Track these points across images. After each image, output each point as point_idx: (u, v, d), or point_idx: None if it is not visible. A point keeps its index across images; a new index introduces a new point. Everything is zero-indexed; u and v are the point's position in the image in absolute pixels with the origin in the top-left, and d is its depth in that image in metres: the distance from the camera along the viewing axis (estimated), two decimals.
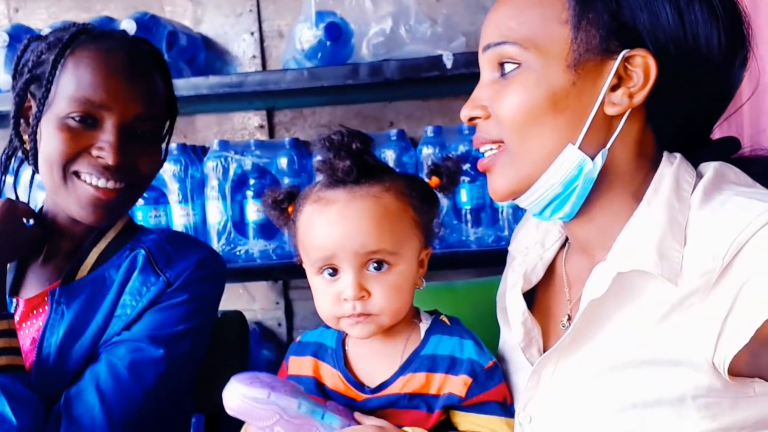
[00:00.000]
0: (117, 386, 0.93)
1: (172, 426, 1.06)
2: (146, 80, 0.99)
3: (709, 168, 0.76)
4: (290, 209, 0.88)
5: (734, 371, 0.68)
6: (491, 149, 0.79)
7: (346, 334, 0.88)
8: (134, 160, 0.97)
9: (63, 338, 0.95)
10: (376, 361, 0.86)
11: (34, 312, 0.99)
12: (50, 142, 0.95)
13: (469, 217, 1.56)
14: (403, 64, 1.41)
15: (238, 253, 1.56)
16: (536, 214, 0.82)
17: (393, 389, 0.85)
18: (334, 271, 0.83)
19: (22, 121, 1.00)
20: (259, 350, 1.85)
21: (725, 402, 0.70)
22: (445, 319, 0.90)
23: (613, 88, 0.74)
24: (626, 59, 0.73)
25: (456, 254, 1.51)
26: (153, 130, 1.01)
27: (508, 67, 0.76)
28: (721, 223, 0.69)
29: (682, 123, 0.78)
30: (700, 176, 0.75)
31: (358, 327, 0.83)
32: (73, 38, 0.97)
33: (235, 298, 1.88)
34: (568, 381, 0.80)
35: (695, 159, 0.79)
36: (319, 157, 0.85)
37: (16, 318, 0.98)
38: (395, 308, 0.85)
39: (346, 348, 0.88)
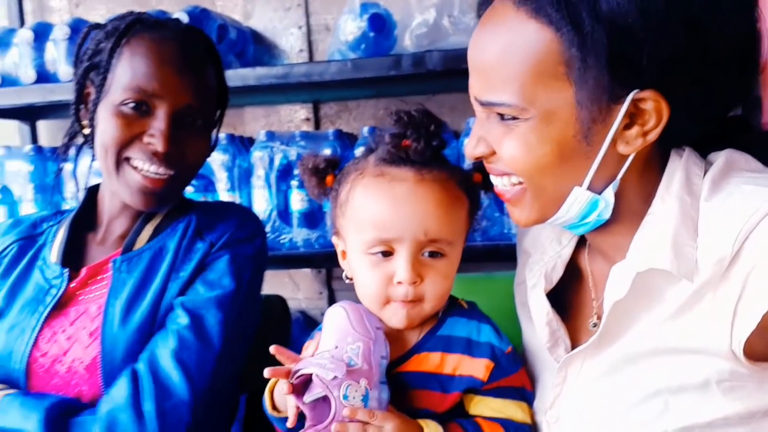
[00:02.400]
0: (188, 353, 0.96)
1: (230, 401, 1.11)
2: (198, 70, 1.02)
3: (719, 157, 0.75)
4: (329, 179, 0.87)
5: (753, 356, 0.69)
6: (508, 181, 0.78)
7: None
8: (183, 148, 1.00)
9: (127, 302, 0.99)
10: (391, 340, 0.85)
11: (95, 279, 1.04)
12: (106, 127, 0.99)
13: None
14: (446, 55, 1.41)
15: (282, 241, 1.59)
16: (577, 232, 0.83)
17: (408, 366, 0.84)
18: (387, 252, 0.81)
19: (82, 107, 1.06)
20: (303, 338, 1.88)
21: (750, 386, 0.70)
22: (462, 302, 0.90)
23: (626, 126, 0.72)
24: (635, 100, 0.70)
25: (497, 247, 1.51)
26: (203, 120, 1.04)
27: (504, 117, 0.74)
28: (729, 212, 0.69)
29: (695, 131, 0.77)
30: (709, 165, 0.75)
31: (402, 313, 0.82)
32: (129, 27, 1.01)
33: (280, 286, 1.92)
34: (593, 377, 0.80)
35: (704, 147, 0.78)
36: (383, 132, 0.84)
37: (78, 285, 1.04)
38: (441, 297, 0.84)
39: None
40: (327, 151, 1.57)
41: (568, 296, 0.89)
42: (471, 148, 0.78)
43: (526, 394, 0.87)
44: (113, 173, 1.01)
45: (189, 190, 1.57)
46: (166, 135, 0.97)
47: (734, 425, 0.71)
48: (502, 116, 0.74)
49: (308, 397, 0.76)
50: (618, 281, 0.75)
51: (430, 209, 0.80)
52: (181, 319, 0.98)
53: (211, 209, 1.10)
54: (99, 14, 1.93)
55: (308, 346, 0.86)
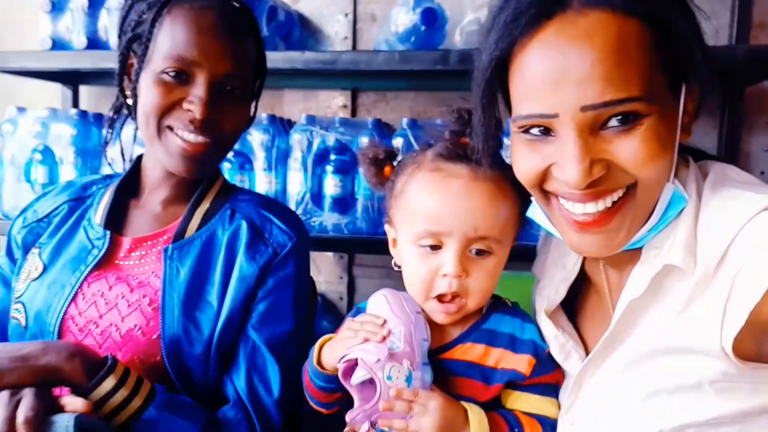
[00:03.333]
0: (272, 371, 1.00)
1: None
2: (237, 39, 1.03)
3: (712, 168, 0.79)
4: (388, 170, 0.90)
5: (744, 355, 0.70)
6: (610, 199, 0.75)
7: None
8: (221, 116, 1.01)
9: (185, 294, 1.01)
10: (435, 329, 0.88)
11: (140, 254, 1.06)
12: (147, 95, 1.01)
13: None
14: None
15: (312, 223, 1.61)
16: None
17: (452, 355, 0.87)
18: (436, 246, 0.83)
19: (125, 78, 1.08)
20: (320, 321, 1.91)
21: (744, 387, 0.72)
22: (507, 301, 0.93)
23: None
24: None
25: (526, 247, 1.52)
26: (241, 89, 1.05)
27: (627, 118, 0.70)
28: (719, 215, 0.73)
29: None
30: (705, 175, 0.79)
31: (444, 313, 0.85)
32: None
33: None
34: (605, 381, 0.83)
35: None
36: (442, 128, 0.85)
37: (121, 254, 1.06)
38: (484, 294, 0.86)
39: None
40: (364, 139, 1.58)
41: (586, 312, 0.92)
42: (585, 174, 0.70)
43: (558, 390, 0.90)
44: (155, 140, 1.03)
45: (226, 167, 1.60)
46: (205, 101, 0.99)
47: (727, 424, 0.73)
48: (623, 120, 0.70)
49: (355, 379, 0.79)
50: (636, 281, 0.78)
51: (481, 207, 0.82)
52: (262, 336, 1.02)
53: (267, 209, 1.10)
54: None
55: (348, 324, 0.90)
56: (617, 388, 0.81)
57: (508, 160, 0.82)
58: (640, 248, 0.79)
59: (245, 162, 1.63)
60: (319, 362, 0.89)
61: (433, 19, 1.45)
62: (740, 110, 1.68)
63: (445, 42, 1.50)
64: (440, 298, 0.86)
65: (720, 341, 0.70)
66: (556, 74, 0.69)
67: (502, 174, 0.85)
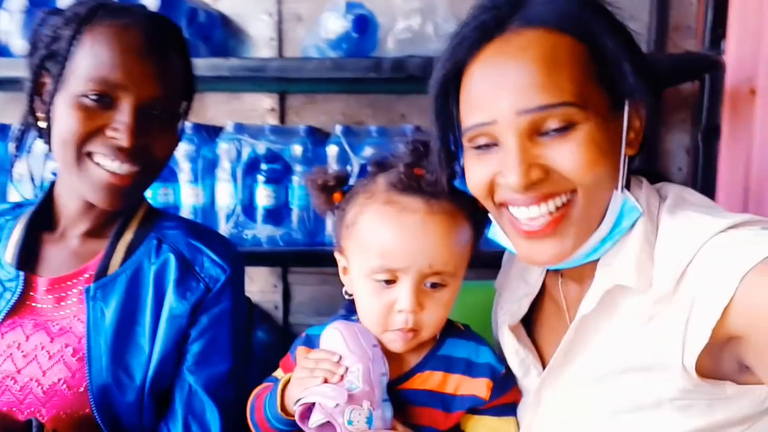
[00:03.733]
0: (210, 416, 0.96)
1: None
2: (165, 60, 0.95)
3: (670, 191, 0.82)
4: (337, 196, 0.87)
5: (703, 373, 0.72)
6: (553, 204, 0.76)
7: None
8: (150, 142, 0.94)
9: (113, 339, 0.93)
10: (392, 359, 0.87)
11: (59, 296, 0.98)
12: (65, 120, 0.92)
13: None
14: (427, 62, 1.39)
15: (245, 236, 1.55)
16: (554, 267, 0.83)
17: (411, 384, 0.86)
18: (390, 280, 0.82)
19: (37, 98, 0.97)
20: (256, 332, 1.86)
21: (700, 404, 0.74)
22: (459, 324, 0.93)
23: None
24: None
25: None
26: (170, 112, 0.98)
27: (565, 127, 0.73)
28: (679, 236, 0.75)
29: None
30: (662, 198, 0.81)
31: (401, 341, 0.84)
32: (91, 13, 0.93)
33: None
34: (563, 399, 0.84)
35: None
36: (396, 157, 0.83)
37: (37, 296, 0.97)
38: (439, 325, 0.86)
39: None
40: (297, 147, 1.53)
41: (543, 325, 0.93)
42: (525, 178, 0.73)
43: (516, 408, 0.90)
44: (73, 170, 0.93)
45: None
46: (132, 129, 0.91)
47: None
48: (559, 128, 0.73)
49: (313, 422, 0.76)
50: (589, 298, 0.79)
51: (437, 242, 0.81)
52: (202, 403, 0.98)
53: (190, 232, 1.03)
54: None
55: (301, 353, 0.87)
56: (579, 407, 0.82)
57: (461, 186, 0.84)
58: (596, 262, 0.80)
59: (169, 174, 1.54)
60: (282, 407, 0.85)
61: (365, 26, 1.42)
62: (660, 111, 1.74)
63: (377, 49, 1.46)
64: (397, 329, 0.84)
65: (681, 359, 0.72)
66: (494, 86, 0.74)
67: (457, 206, 0.84)
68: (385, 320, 0.83)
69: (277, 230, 1.56)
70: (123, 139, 0.91)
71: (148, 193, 1.51)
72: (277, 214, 1.56)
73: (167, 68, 0.95)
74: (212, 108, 1.87)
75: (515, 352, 0.88)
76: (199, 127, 1.57)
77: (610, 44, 0.74)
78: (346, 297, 0.90)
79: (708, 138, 1.40)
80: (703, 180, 1.43)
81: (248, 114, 1.86)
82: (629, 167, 0.79)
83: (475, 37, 0.76)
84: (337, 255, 0.91)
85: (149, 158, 0.95)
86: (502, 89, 0.73)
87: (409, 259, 0.80)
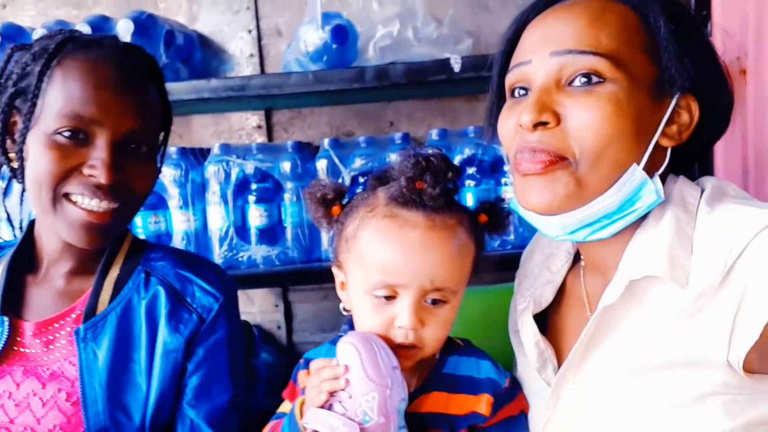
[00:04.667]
0: None
1: None
2: (140, 91, 0.93)
3: (708, 183, 0.80)
4: (336, 209, 0.85)
5: (749, 368, 0.71)
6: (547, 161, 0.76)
7: None
8: (128, 177, 0.91)
9: (108, 380, 0.90)
10: None
11: (47, 339, 0.94)
12: (38, 160, 0.89)
13: None
14: (409, 68, 1.38)
15: (240, 259, 1.53)
16: (561, 235, 0.81)
17: (417, 407, 0.83)
18: (390, 296, 0.80)
19: (7, 138, 0.94)
20: (259, 353, 1.83)
21: (743, 399, 0.72)
22: (457, 341, 0.90)
23: (667, 123, 0.77)
24: (679, 99, 0.77)
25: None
26: (148, 144, 0.94)
27: (590, 79, 0.74)
28: (724, 229, 0.73)
29: (696, 151, 0.84)
30: (701, 191, 0.80)
31: (402, 355, 0.81)
32: (60, 47, 0.91)
33: None
34: (584, 394, 0.81)
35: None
36: (398, 170, 0.81)
37: (24, 341, 0.94)
38: (440, 342, 0.83)
39: None
40: (286, 164, 1.51)
41: (561, 320, 0.90)
42: (534, 114, 0.74)
43: (524, 418, 0.87)
44: (49, 210, 0.90)
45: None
46: (109, 165, 0.88)
47: None
48: (587, 78, 0.74)
49: None
50: (611, 289, 0.77)
51: (438, 258, 0.79)
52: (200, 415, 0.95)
53: (178, 262, 1.00)
54: (29, 16, 1.78)
55: (303, 377, 0.85)
56: (605, 403, 0.79)
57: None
58: (619, 252, 0.78)
59: (158, 202, 1.51)
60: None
61: (344, 37, 1.39)
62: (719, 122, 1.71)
63: (358, 58, 1.44)
64: (396, 345, 0.82)
65: (727, 354, 0.70)
66: (538, 35, 0.78)
67: (459, 221, 0.81)
68: (386, 336, 0.81)
69: (272, 250, 1.53)
70: (101, 175, 0.88)
71: (139, 222, 1.51)
72: (271, 233, 1.54)
73: (142, 100, 0.93)
74: (199, 130, 1.85)
75: (535, 343, 0.85)
76: (185, 151, 1.55)
77: (662, 23, 0.75)
78: (344, 313, 0.87)
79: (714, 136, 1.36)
80: (700, 167, 1.40)
81: (236, 133, 1.84)
82: (671, 162, 0.78)
83: (541, 2, 0.82)
84: (334, 269, 0.89)
85: (128, 194, 0.92)
86: (544, 36, 0.77)
87: (410, 275, 0.78)
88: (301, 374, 0.89)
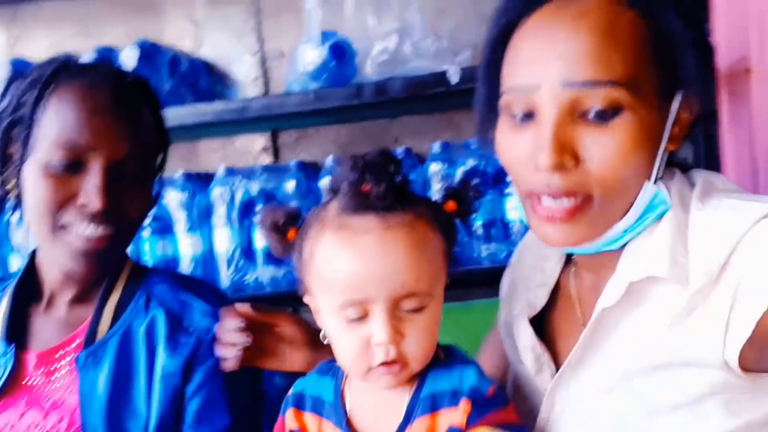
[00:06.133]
0: None
1: None
2: (134, 116, 0.92)
3: (698, 178, 0.78)
4: (291, 234, 0.79)
5: (747, 366, 0.69)
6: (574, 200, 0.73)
7: (344, 386, 0.80)
8: (122, 203, 0.91)
9: (108, 407, 0.89)
10: (381, 413, 0.78)
11: (49, 369, 0.94)
12: (35, 190, 0.89)
13: (480, 232, 1.52)
14: (408, 82, 1.38)
15: (247, 281, 1.53)
16: (572, 250, 0.79)
17: None
18: (361, 314, 0.74)
19: (6, 168, 0.94)
20: (271, 377, 1.81)
21: (743, 398, 0.70)
22: (439, 351, 0.81)
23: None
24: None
25: (469, 272, 1.47)
26: (142, 169, 0.94)
27: (607, 112, 0.70)
28: (716, 224, 0.72)
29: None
30: (692, 186, 0.78)
31: (389, 376, 0.75)
32: (55, 74, 0.91)
33: None
34: (582, 398, 0.78)
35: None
36: (340, 178, 0.76)
37: (27, 373, 0.94)
38: (427, 353, 0.77)
39: (345, 402, 0.80)
40: (291, 185, 1.52)
41: (555, 322, 0.88)
42: (554, 157, 0.70)
43: (514, 428, 0.81)
44: (48, 240, 0.91)
45: (145, 235, 1.49)
46: (102, 190, 0.87)
47: None
48: (601, 111, 0.70)
49: None
50: (610, 291, 0.75)
51: (402, 260, 0.72)
52: None
53: (178, 286, 0.99)
54: (42, 47, 1.82)
55: (291, 418, 0.81)
56: (604, 408, 0.76)
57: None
58: (615, 252, 0.77)
59: (164, 226, 1.52)
60: None
61: (341, 54, 1.40)
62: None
63: (357, 75, 1.44)
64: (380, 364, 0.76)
65: (722, 352, 0.68)
66: (543, 50, 0.71)
67: (418, 215, 0.75)
68: (365, 357, 0.74)
69: (279, 270, 1.53)
70: (94, 200, 0.88)
71: (146, 248, 1.52)
72: None
73: (136, 125, 0.93)
74: (206, 154, 1.86)
75: (532, 347, 0.83)
76: (190, 176, 1.56)
77: (677, 26, 0.71)
78: (324, 342, 0.81)
79: (706, 123, 1.34)
80: (707, 168, 1.37)
81: (242, 156, 1.85)
82: (668, 160, 0.76)
83: None
84: (306, 299, 0.82)
85: (123, 219, 0.92)
86: (551, 54, 0.70)
87: (374, 285, 0.72)
88: (289, 414, 0.83)
